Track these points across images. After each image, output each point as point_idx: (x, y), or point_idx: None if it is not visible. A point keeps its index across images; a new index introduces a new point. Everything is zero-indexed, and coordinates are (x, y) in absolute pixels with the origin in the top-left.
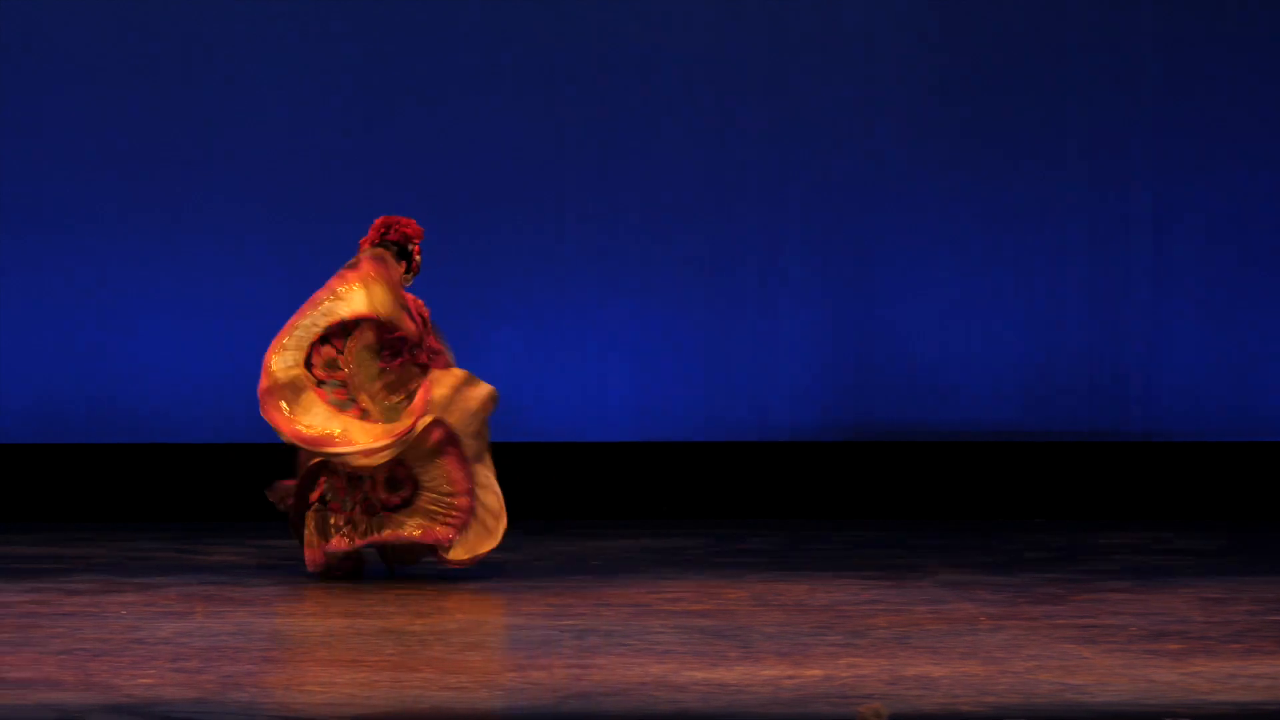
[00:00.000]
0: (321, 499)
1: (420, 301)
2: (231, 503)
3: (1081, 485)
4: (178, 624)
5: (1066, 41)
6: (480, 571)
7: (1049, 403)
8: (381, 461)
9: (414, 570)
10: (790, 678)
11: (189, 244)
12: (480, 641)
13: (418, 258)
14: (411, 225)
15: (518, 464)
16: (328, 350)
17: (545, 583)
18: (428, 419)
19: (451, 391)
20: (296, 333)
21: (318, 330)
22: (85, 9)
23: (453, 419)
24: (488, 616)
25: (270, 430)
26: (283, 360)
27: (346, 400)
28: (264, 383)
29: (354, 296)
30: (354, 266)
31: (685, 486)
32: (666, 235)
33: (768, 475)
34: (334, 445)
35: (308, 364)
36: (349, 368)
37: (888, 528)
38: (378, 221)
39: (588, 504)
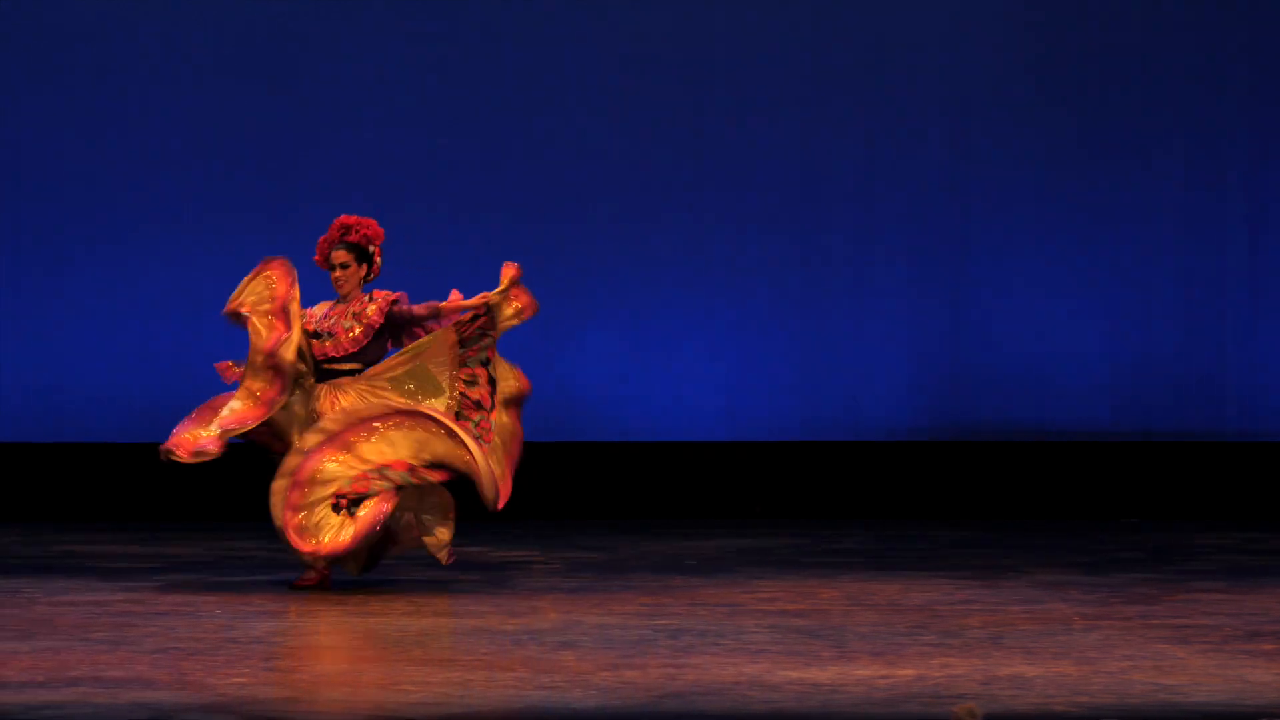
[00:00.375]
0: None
1: (382, 295)
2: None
3: (1175, 485)
4: (271, 623)
5: (1162, 41)
6: (574, 570)
7: (1143, 402)
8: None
9: (503, 573)
10: (884, 677)
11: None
12: (574, 641)
13: (378, 260)
14: (373, 226)
15: (612, 463)
16: None
17: (639, 582)
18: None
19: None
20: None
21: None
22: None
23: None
24: (582, 616)
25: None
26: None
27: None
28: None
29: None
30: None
31: (779, 486)
32: (759, 235)
33: (861, 475)
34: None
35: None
36: None
37: (981, 527)
38: (337, 222)
39: (682, 504)
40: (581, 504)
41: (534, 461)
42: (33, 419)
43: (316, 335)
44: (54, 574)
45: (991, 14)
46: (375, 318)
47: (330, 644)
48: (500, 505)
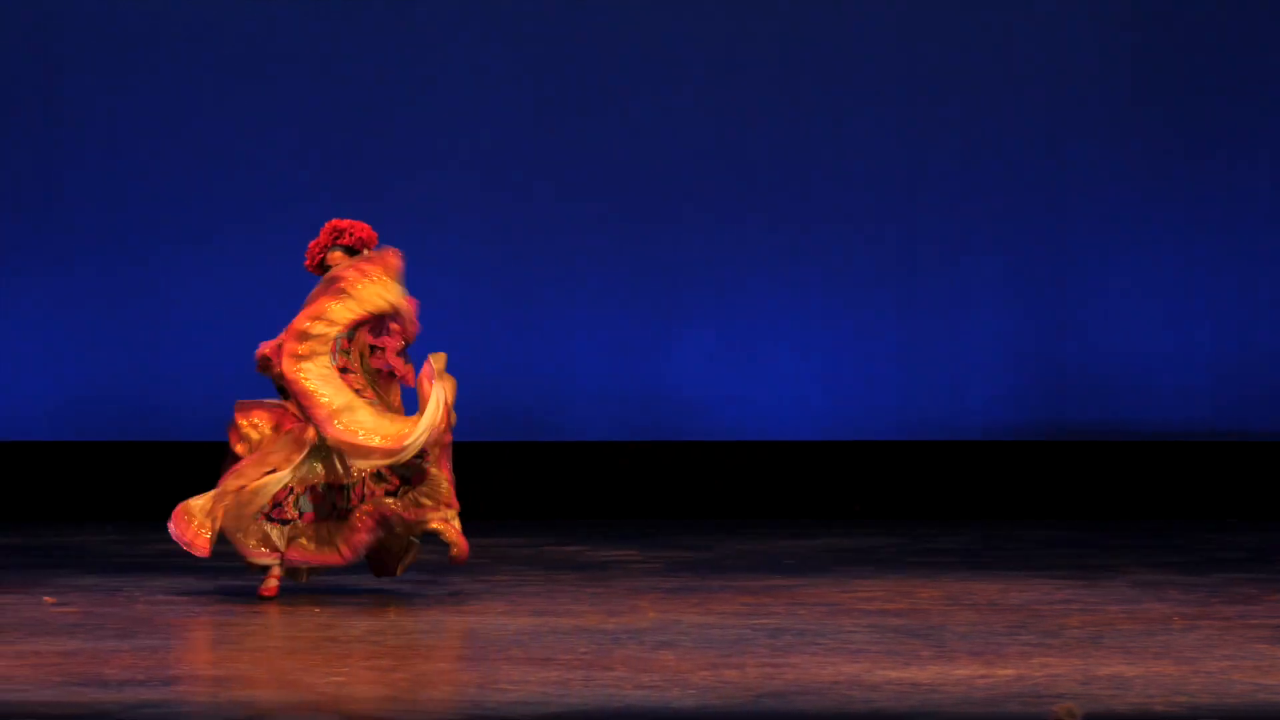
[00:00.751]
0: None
1: None
2: None
3: (1275, 485)
4: (370, 622)
5: (1261, 43)
6: (674, 570)
7: (1243, 402)
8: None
9: (603, 573)
10: (983, 677)
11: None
12: (673, 640)
13: None
14: (366, 229)
15: (711, 463)
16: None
17: (739, 582)
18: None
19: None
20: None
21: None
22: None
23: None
24: (681, 615)
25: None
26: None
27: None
28: (319, 411)
29: (370, 292)
30: (362, 263)
31: (878, 486)
32: (858, 235)
33: (961, 475)
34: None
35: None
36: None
37: (1081, 527)
38: (329, 225)
39: (781, 503)
40: (681, 504)
41: (634, 461)
42: (135, 419)
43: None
44: (153, 573)
45: (1090, 14)
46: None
47: (429, 643)
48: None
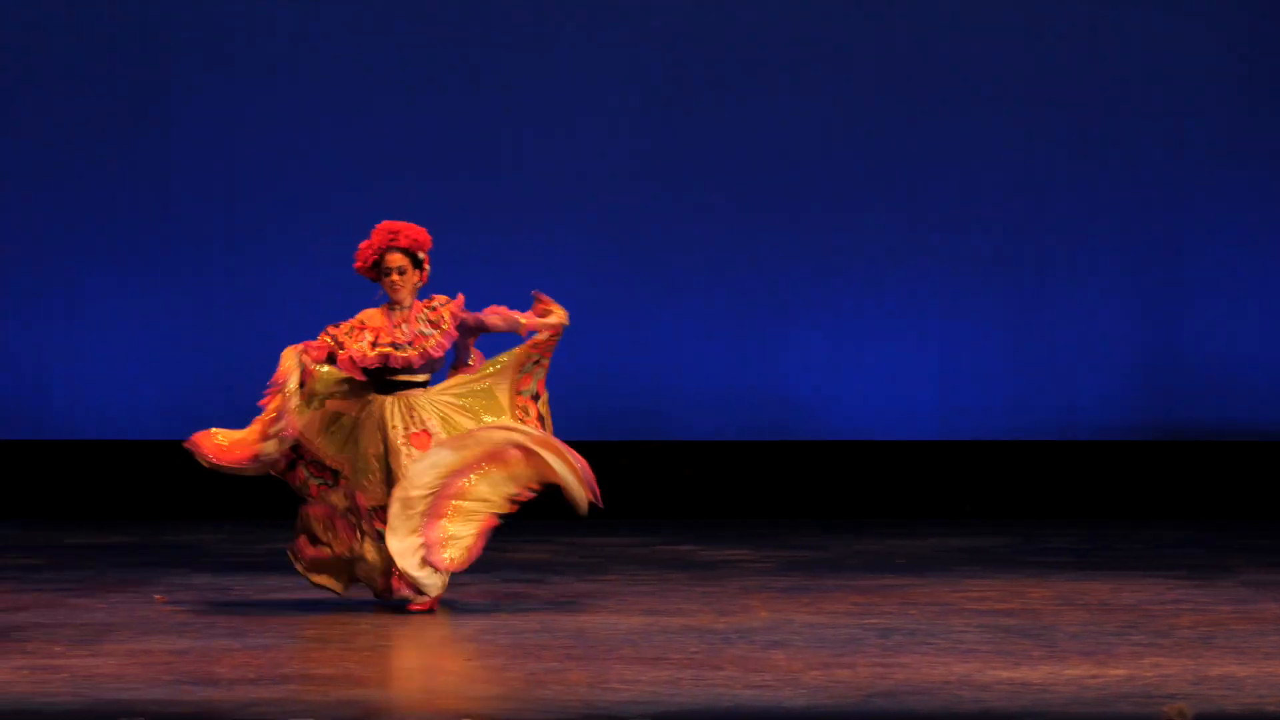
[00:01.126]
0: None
1: (446, 301)
2: (540, 499)
3: None
4: (482, 621)
5: None
6: (785, 569)
7: None
8: None
9: (714, 572)
10: (1094, 677)
11: (500, 250)
12: (784, 640)
13: (428, 266)
14: (421, 232)
15: (823, 462)
16: None
17: (850, 581)
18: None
19: None
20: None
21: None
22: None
23: None
24: (792, 614)
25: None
26: None
27: None
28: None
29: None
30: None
31: (989, 485)
32: (974, 233)
33: (1072, 474)
34: None
35: None
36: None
37: (1193, 527)
38: (383, 227)
39: (893, 503)
40: (793, 503)
41: (746, 461)
42: (249, 419)
43: (395, 345)
44: (264, 572)
45: (1206, 15)
46: (451, 327)
47: (540, 642)
48: (598, 500)
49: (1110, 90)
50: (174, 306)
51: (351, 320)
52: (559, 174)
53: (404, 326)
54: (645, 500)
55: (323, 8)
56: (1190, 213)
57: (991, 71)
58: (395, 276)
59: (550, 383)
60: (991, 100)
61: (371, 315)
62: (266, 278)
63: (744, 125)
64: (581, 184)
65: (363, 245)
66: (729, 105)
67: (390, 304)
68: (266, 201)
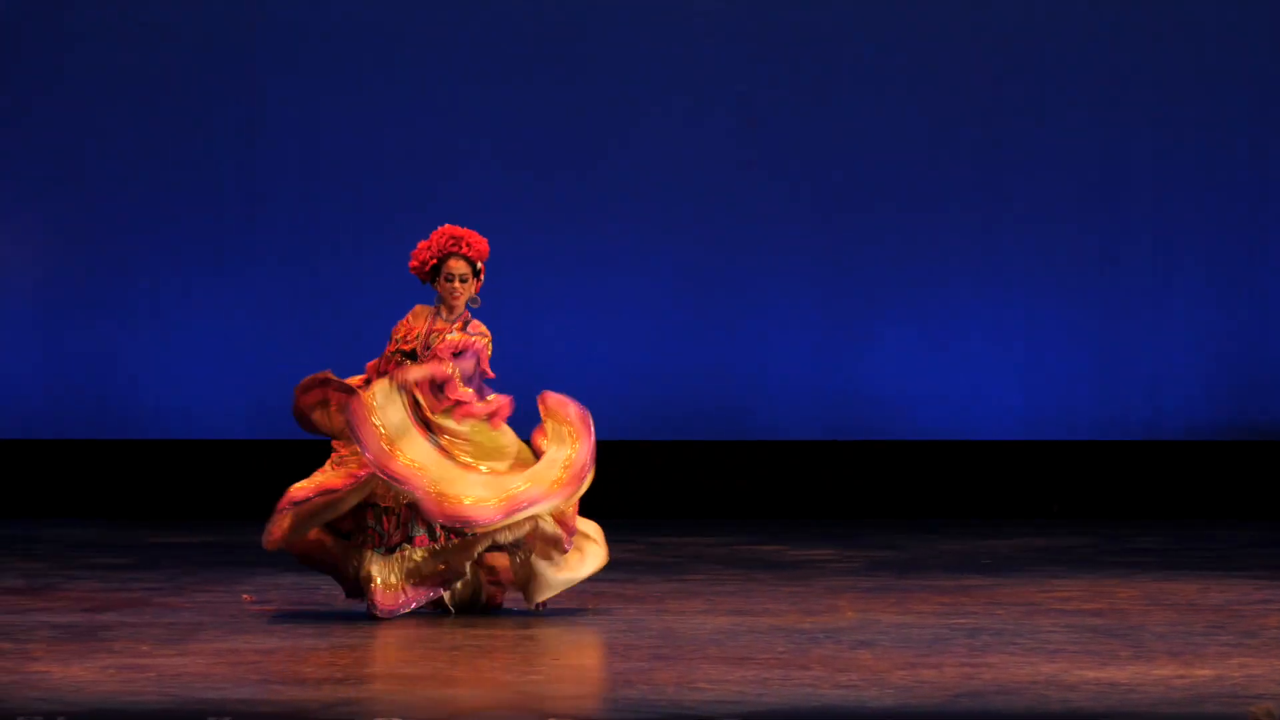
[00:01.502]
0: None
1: (474, 330)
2: (625, 499)
3: None
4: (567, 622)
5: None
6: (872, 569)
7: None
8: None
9: (801, 572)
10: (1181, 677)
11: (581, 249)
12: (871, 640)
13: (483, 276)
14: (483, 242)
15: (908, 462)
16: None
17: (936, 581)
18: None
19: None
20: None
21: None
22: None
23: None
24: (879, 615)
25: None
26: None
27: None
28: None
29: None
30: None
31: (1076, 485)
32: (1057, 234)
33: (1158, 474)
34: None
35: None
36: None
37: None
38: (446, 230)
39: (978, 503)
40: (879, 503)
41: (831, 462)
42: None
43: (418, 352)
44: None
45: (1277, 12)
46: (452, 349)
47: (627, 642)
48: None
49: (1195, 91)
50: (260, 308)
51: (404, 320)
52: (650, 175)
53: (437, 336)
54: (732, 500)
55: (416, 10)
56: (1275, 214)
57: (1077, 74)
58: (456, 284)
59: (639, 382)
60: (1078, 102)
61: (419, 313)
62: (352, 278)
63: (835, 127)
64: (674, 185)
65: (421, 245)
66: (820, 107)
67: (442, 306)
68: (351, 203)
